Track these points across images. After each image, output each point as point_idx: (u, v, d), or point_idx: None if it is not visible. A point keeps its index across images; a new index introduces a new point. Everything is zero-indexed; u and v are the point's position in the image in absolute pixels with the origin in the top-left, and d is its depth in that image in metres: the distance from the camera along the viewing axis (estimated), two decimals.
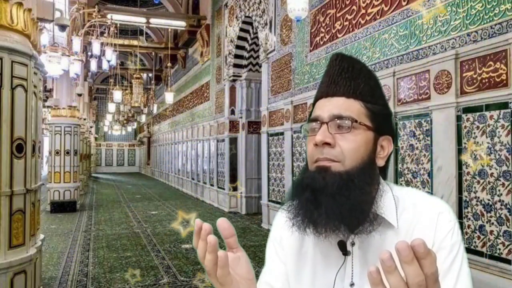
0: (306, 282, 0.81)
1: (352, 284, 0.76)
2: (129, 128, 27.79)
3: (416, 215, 0.76)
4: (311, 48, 5.97)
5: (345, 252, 0.76)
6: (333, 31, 5.41)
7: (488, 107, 3.19)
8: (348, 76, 0.79)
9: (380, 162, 0.79)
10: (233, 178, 9.65)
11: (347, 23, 5.11)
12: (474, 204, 3.31)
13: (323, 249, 0.80)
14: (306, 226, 0.75)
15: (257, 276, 0.90)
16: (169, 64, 14.67)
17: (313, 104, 0.84)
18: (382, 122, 0.79)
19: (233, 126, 9.74)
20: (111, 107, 18.79)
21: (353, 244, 0.77)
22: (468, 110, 3.36)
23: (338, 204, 0.71)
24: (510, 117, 3.02)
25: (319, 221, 0.73)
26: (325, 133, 0.75)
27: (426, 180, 3.77)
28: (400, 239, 0.74)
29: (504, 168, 3.06)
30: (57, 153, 9.48)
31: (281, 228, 0.86)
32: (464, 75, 3.39)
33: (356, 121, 0.75)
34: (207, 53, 11.53)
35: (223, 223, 0.65)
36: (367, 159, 0.76)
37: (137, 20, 12.48)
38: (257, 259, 5.17)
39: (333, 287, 0.77)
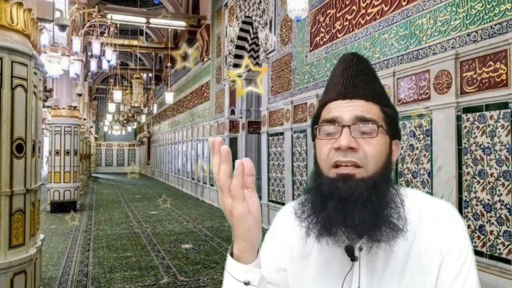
0: (309, 286, 0.79)
1: None
2: (129, 128, 27.78)
3: (422, 219, 0.75)
4: (311, 48, 5.97)
5: (353, 258, 0.74)
6: (333, 31, 5.41)
7: (488, 107, 3.19)
8: (366, 78, 0.76)
9: (392, 166, 0.78)
10: None
11: (347, 23, 5.11)
12: (474, 204, 3.31)
13: (329, 254, 0.77)
14: (333, 236, 0.72)
15: None
16: (169, 64, 14.67)
17: (321, 105, 0.79)
18: (395, 126, 0.78)
19: (233, 126, 9.74)
20: (111, 107, 18.79)
21: (360, 249, 0.75)
22: (468, 110, 3.36)
23: (372, 213, 0.69)
24: (510, 117, 3.02)
25: (353, 230, 0.70)
26: (349, 137, 0.71)
27: (426, 180, 3.77)
28: (407, 243, 0.73)
29: (504, 168, 3.06)
30: (57, 153, 9.48)
31: (285, 228, 0.85)
32: (464, 75, 3.39)
33: (381, 126, 0.73)
34: (207, 53, 11.53)
35: (247, 162, 0.64)
36: (386, 163, 0.74)
37: (137, 20, 12.48)
38: None
39: None
